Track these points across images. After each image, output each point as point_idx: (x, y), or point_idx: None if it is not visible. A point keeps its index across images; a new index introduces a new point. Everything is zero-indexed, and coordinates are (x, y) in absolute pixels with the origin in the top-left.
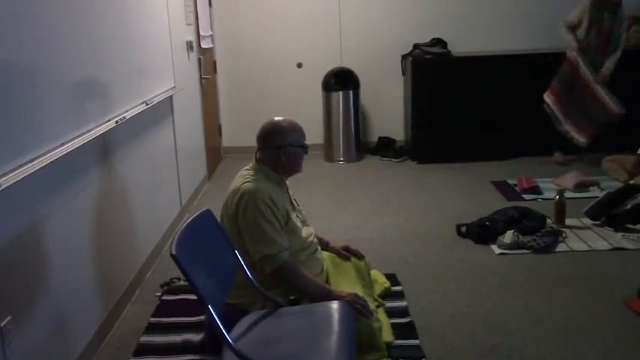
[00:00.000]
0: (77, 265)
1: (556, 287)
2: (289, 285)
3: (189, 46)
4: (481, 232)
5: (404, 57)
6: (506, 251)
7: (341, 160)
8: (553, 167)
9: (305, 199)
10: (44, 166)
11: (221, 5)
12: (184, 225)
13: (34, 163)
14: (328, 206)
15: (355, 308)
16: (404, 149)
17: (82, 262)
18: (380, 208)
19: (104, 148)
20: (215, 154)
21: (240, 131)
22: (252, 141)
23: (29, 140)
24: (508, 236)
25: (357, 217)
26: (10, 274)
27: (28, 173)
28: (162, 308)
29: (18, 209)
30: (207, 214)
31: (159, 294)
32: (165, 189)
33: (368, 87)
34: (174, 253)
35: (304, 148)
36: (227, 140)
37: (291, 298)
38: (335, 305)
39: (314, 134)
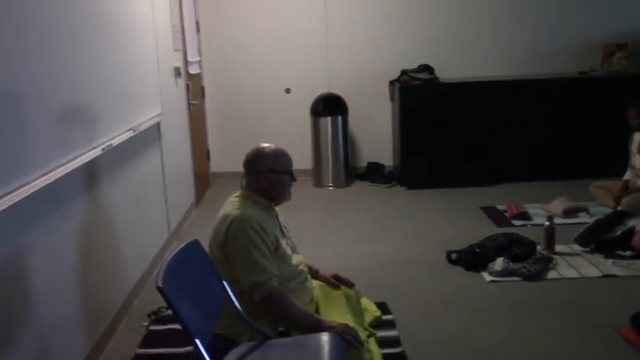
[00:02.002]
0: (61, 296)
1: (547, 315)
2: (278, 314)
3: (177, 72)
4: (471, 259)
5: (392, 83)
6: (497, 278)
7: (330, 186)
8: (542, 193)
9: (293, 224)
10: (27, 195)
11: (209, 31)
12: (171, 255)
13: (15, 193)
14: (317, 232)
15: (346, 339)
16: (393, 174)
17: (66, 293)
18: (369, 235)
19: (89, 175)
20: (203, 180)
21: (229, 156)
22: (240, 166)
23: (11, 170)
24: (498, 263)
25: (346, 244)
26: None
27: (9, 204)
28: (150, 338)
29: None
30: (195, 243)
31: (146, 324)
32: (152, 216)
33: (356, 112)
34: (160, 285)
35: (290, 175)
36: (215, 165)
37: (280, 330)
38: (325, 337)
39: (303, 159)
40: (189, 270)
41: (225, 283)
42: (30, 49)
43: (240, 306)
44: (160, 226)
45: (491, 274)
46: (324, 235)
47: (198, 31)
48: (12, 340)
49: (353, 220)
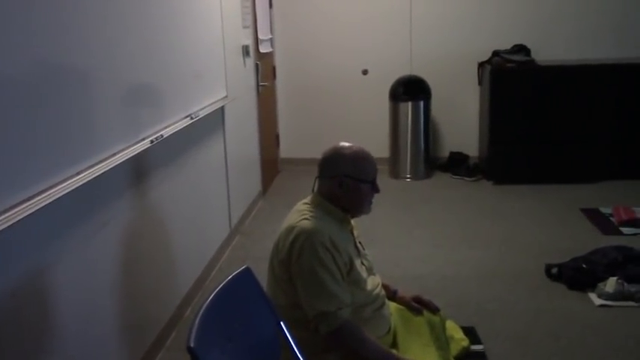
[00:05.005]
0: (96, 313)
1: None
2: (349, 351)
3: (246, 50)
4: (577, 276)
5: (481, 65)
6: (609, 302)
7: (408, 177)
8: None
9: (366, 222)
10: (55, 198)
11: (282, 6)
12: (210, 299)
13: (38, 198)
14: (392, 232)
15: None
16: (478, 167)
17: (102, 310)
18: (452, 238)
19: (136, 170)
20: (271, 167)
21: (300, 142)
22: (311, 152)
23: (32, 170)
24: (611, 284)
25: (426, 248)
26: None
27: (30, 211)
28: None
29: (14, 257)
30: (244, 275)
31: None
32: (212, 210)
33: (440, 97)
34: (192, 345)
35: (372, 185)
36: (285, 151)
37: None
38: None
39: (379, 147)
40: (235, 313)
41: (283, 325)
42: (88, 24)
43: (303, 337)
44: (220, 221)
45: (601, 296)
46: (399, 237)
47: (271, 6)
48: None
49: (433, 219)
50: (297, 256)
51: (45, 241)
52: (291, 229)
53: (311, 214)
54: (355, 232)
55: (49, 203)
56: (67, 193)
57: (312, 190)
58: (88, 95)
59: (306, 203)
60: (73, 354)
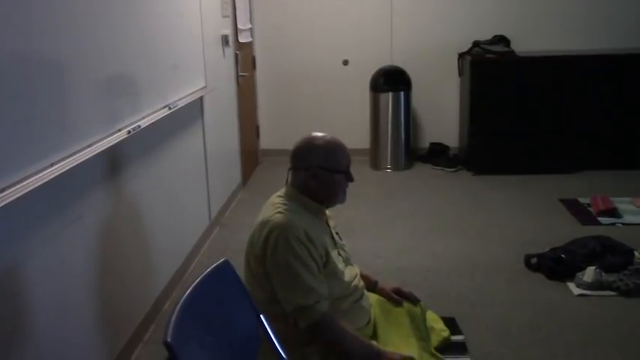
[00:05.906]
0: (71, 308)
1: None
2: (328, 344)
3: (225, 40)
4: (556, 267)
5: (461, 55)
6: (587, 292)
7: (388, 168)
8: (632, 184)
9: (346, 212)
10: (27, 192)
11: None
12: (188, 293)
13: (9, 191)
14: (372, 224)
15: None
16: (458, 158)
17: (77, 304)
18: (433, 229)
19: (112, 161)
20: (251, 158)
21: (280, 133)
22: (292, 143)
23: (2, 162)
24: (589, 274)
25: (407, 239)
26: None
27: (1, 204)
28: None
29: None
30: (223, 267)
31: None
32: (191, 202)
33: (420, 88)
34: (168, 340)
35: (345, 175)
36: (265, 142)
37: None
38: None
39: (359, 138)
40: (214, 306)
41: (262, 318)
42: (62, 13)
43: (282, 331)
44: (200, 212)
45: (579, 286)
46: (380, 228)
47: None
48: None
49: (414, 209)
50: (272, 251)
51: (17, 234)
52: (264, 223)
53: (285, 207)
54: (332, 223)
55: (21, 196)
56: (40, 185)
57: (286, 182)
58: (62, 86)
59: (280, 196)
60: (47, 350)
